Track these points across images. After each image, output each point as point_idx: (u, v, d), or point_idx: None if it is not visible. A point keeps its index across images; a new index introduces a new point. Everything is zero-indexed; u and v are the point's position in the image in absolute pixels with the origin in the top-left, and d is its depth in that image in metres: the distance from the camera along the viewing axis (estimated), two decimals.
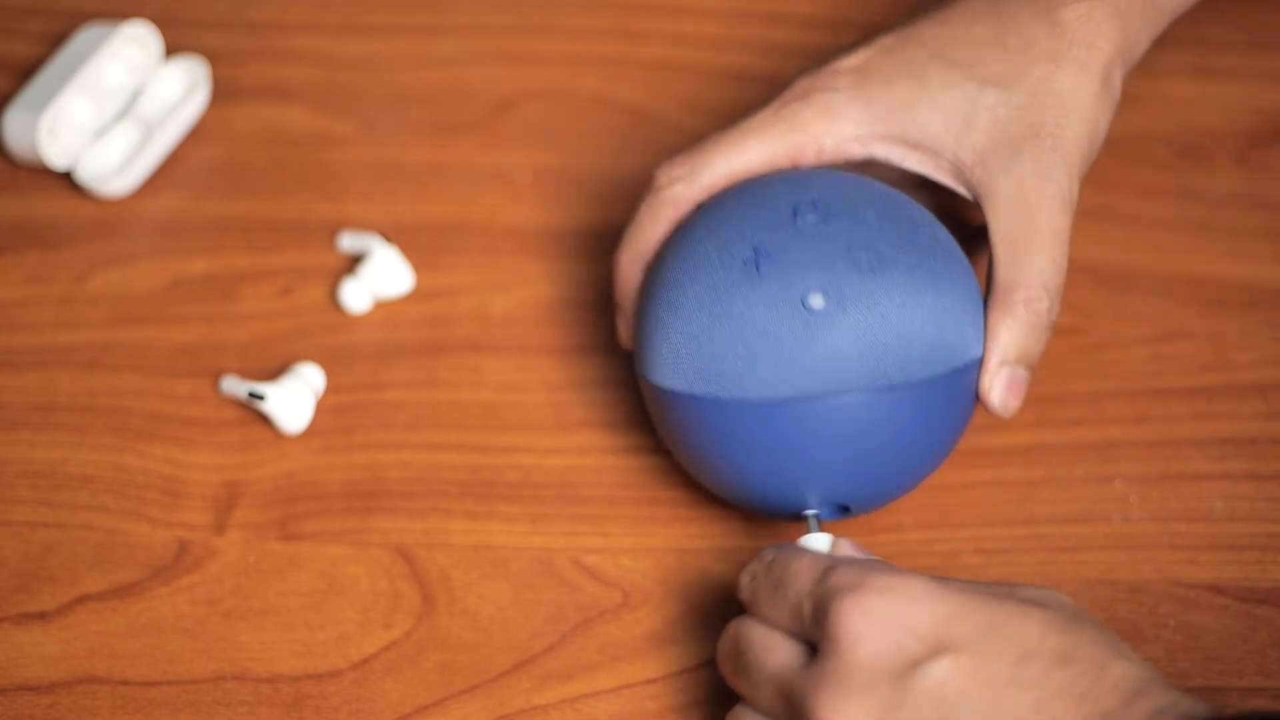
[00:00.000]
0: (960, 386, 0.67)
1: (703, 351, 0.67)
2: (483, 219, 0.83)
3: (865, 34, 0.80)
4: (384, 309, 0.80)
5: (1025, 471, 0.75)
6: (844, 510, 0.69)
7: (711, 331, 0.66)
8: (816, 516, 0.68)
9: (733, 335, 0.66)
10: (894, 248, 0.66)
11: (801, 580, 0.62)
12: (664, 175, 0.72)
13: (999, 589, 0.61)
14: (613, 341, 0.78)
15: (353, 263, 0.81)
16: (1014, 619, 0.59)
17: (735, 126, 0.72)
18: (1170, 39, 0.87)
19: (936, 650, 0.58)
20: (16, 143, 0.82)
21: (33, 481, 0.75)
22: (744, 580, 0.64)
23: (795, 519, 0.69)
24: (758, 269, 0.66)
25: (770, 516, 0.70)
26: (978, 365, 0.68)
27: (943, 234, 0.69)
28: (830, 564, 0.62)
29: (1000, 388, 0.69)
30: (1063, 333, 0.79)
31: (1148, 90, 0.86)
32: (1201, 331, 0.79)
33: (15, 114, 0.82)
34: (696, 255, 0.68)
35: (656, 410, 0.70)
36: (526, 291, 0.80)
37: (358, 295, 0.80)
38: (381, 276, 0.80)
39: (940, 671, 0.58)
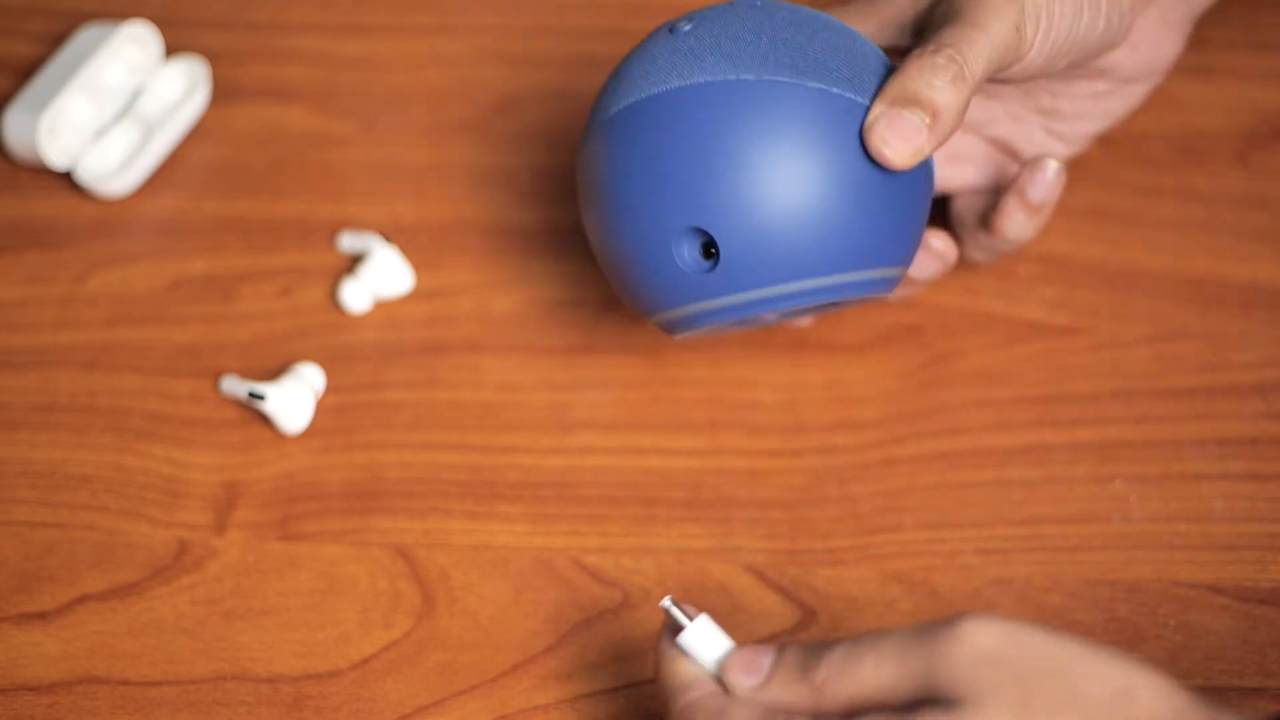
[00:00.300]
0: (828, 115, 0.65)
1: (612, 91, 0.69)
2: (483, 219, 0.83)
3: None
4: (384, 309, 0.80)
5: (1025, 471, 0.75)
6: (712, 253, 0.67)
7: (623, 76, 0.69)
8: (674, 604, 0.61)
9: (619, 71, 0.69)
10: (784, 6, 0.68)
11: None
12: None
13: (936, 630, 0.56)
14: (613, 342, 0.78)
15: (353, 263, 0.81)
16: None
17: None
18: None
19: None
20: (16, 143, 0.82)
21: (33, 481, 0.75)
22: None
23: (676, 309, 0.68)
24: (671, 31, 0.68)
25: (648, 277, 0.68)
26: (854, 108, 0.66)
27: (847, 30, 0.69)
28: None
29: (882, 127, 0.65)
30: (1063, 333, 0.79)
31: None
32: (1201, 331, 0.79)
33: (15, 114, 0.82)
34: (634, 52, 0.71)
35: (580, 174, 0.71)
36: (526, 291, 0.80)
37: (358, 295, 0.80)
38: (381, 276, 0.80)
39: None
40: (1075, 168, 0.84)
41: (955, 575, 0.72)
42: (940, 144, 0.66)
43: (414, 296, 0.80)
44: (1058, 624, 0.71)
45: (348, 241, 0.81)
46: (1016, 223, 0.74)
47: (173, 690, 0.69)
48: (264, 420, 0.76)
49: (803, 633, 0.71)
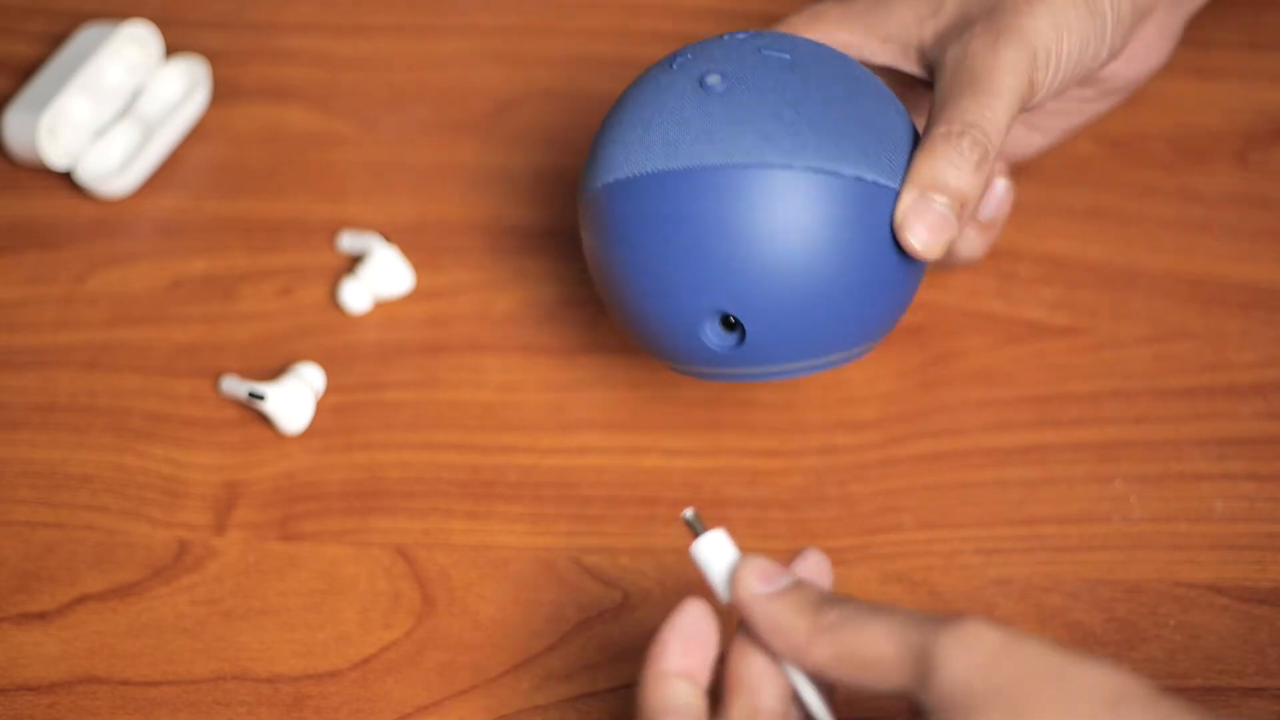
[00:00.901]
0: (864, 203, 0.65)
1: (621, 145, 0.66)
2: (483, 219, 0.83)
3: None
4: (384, 309, 0.80)
5: (1025, 471, 0.75)
6: (736, 328, 0.66)
7: (630, 125, 0.66)
8: (697, 516, 0.61)
9: (633, 118, 0.66)
10: (815, 62, 0.67)
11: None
12: None
13: (933, 628, 0.55)
14: (613, 342, 0.78)
15: (353, 263, 0.81)
16: None
17: None
18: None
19: None
20: (16, 143, 0.82)
21: (33, 481, 0.75)
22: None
23: (701, 369, 0.67)
24: (673, 67, 0.67)
25: (671, 347, 0.67)
26: (888, 195, 0.66)
27: (879, 86, 0.68)
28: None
29: (915, 219, 0.65)
30: (1063, 333, 0.79)
31: (1148, 90, 0.86)
32: (1201, 331, 0.79)
33: (15, 114, 0.82)
34: (633, 85, 0.68)
35: (586, 233, 0.69)
36: (526, 291, 0.80)
37: (358, 295, 0.80)
38: (381, 276, 0.80)
39: None
40: (1075, 168, 0.84)
41: (955, 575, 0.72)
42: (964, 228, 0.68)
43: (414, 296, 0.80)
44: (1058, 624, 0.71)
45: (348, 241, 0.81)
46: (967, 240, 0.74)
47: (173, 690, 0.69)
48: (264, 420, 0.76)
49: None
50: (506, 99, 0.87)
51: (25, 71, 0.87)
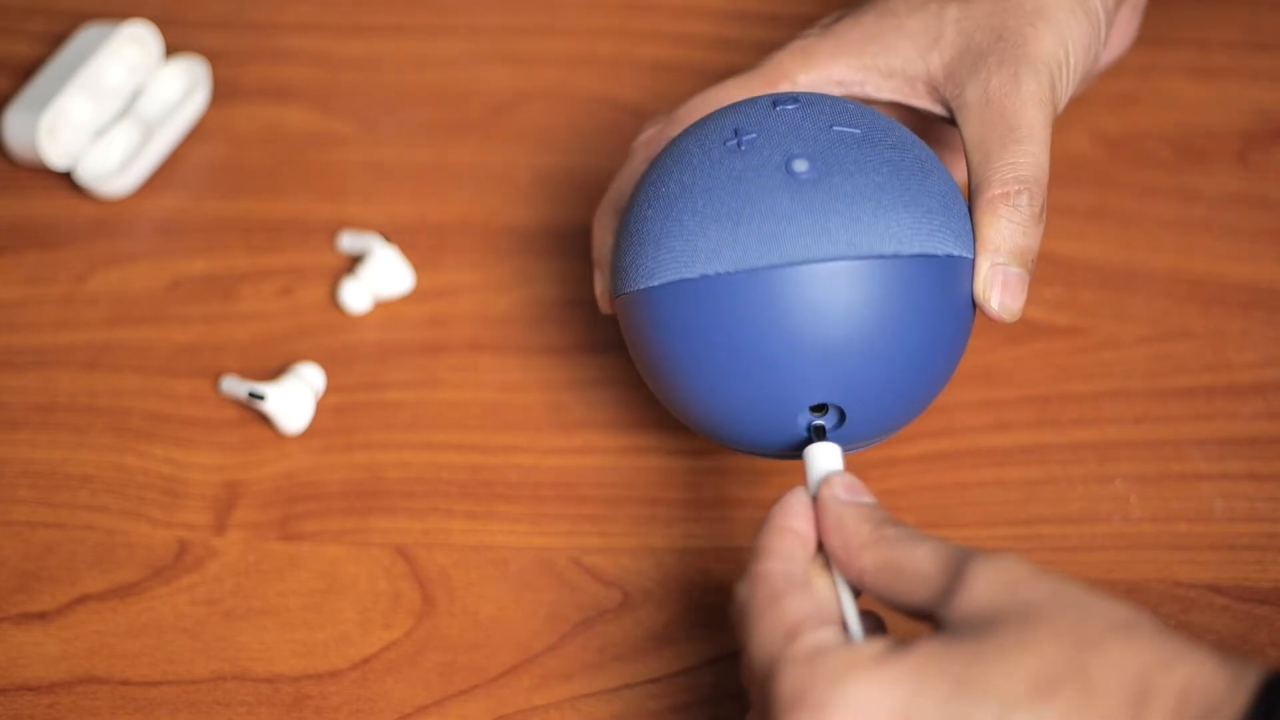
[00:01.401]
0: (953, 279, 0.65)
1: (690, 234, 0.63)
2: (483, 219, 0.83)
3: None
4: (384, 309, 0.80)
5: (1025, 471, 0.75)
6: (840, 418, 0.65)
7: (696, 213, 0.63)
8: (817, 425, 0.64)
9: (717, 208, 0.63)
10: (878, 131, 0.65)
11: (758, 659, 0.58)
12: (641, 128, 0.73)
13: (954, 562, 0.57)
14: (612, 341, 0.78)
15: (353, 263, 0.81)
16: (975, 663, 0.55)
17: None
18: (1170, 39, 0.87)
19: None
20: (16, 143, 0.82)
21: (33, 481, 0.75)
22: (732, 611, 0.61)
23: (787, 454, 0.66)
24: (739, 146, 0.64)
25: (759, 440, 0.66)
26: (968, 266, 0.66)
27: (921, 143, 0.67)
28: (786, 641, 0.57)
29: (997, 291, 0.66)
30: (1063, 333, 0.79)
31: (1148, 90, 0.86)
32: (1201, 331, 0.79)
33: (15, 114, 0.82)
34: (676, 151, 0.66)
35: (639, 327, 0.66)
36: (526, 291, 0.80)
37: (358, 295, 0.80)
38: (381, 276, 0.80)
39: None
40: (1075, 168, 0.84)
41: None
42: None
43: (414, 296, 0.80)
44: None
45: (348, 241, 0.81)
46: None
47: (173, 690, 0.69)
48: (264, 420, 0.76)
49: None
50: (506, 99, 0.87)
51: (25, 71, 0.87)
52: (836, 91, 0.71)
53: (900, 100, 0.71)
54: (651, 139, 0.72)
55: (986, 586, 0.56)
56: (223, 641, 0.70)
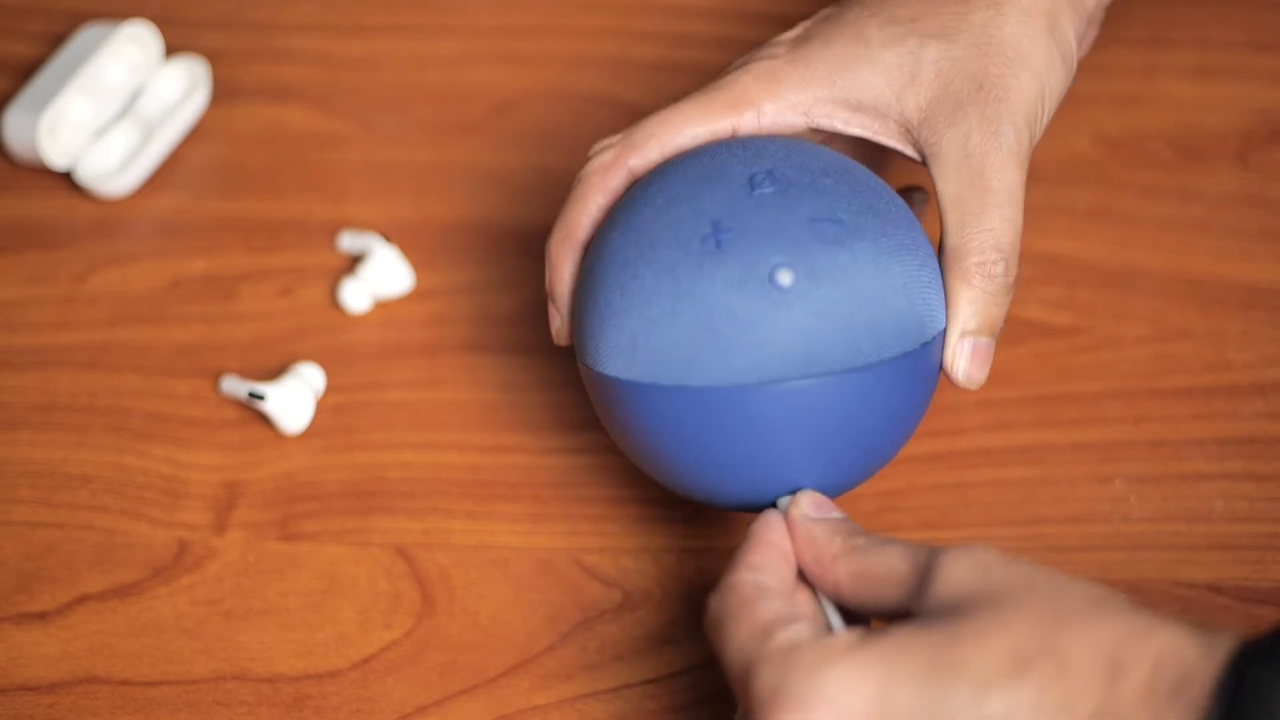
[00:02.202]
0: (929, 359, 0.65)
1: (666, 338, 0.63)
2: (483, 219, 0.83)
3: None
4: (384, 309, 0.80)
5: (1025, 471, 0.75)
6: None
7: (675, 316, 0.62)
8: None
9: (699, 319, 0.62)
10: (857, 216, 0.63)
11: (735, 658, 0.58)
12: (594, 148, 0.69)
13: (923, 559, 0.58)
14: None
15: (353, 263, 0.81)
16: (949, 645, 0.55)
17: (674, 102, 0.69)
18: (1170, 39, 0.87)
19: None
20: (16, 143, 0.82)
21: (33, 481, 0.75)
22: (705, 620, 0.61)
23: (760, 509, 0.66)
24: (718, 245, 0.62)
25: (736, 508, 0.67)
26: (941, 335, 0.66)
27: (897, 200, 0.67)
28: (760, 641, 0.58)
29: (964, 360, 0.66)
30: (1063, 333, 0.79)
31: (1148, 90, 0.86)
32: (1201, 331, 0.79)
33: (15, 114, 0.82)
34: (648, 234, 0.64)
35: (608, 403, 0.65)
36: (526, 291, 0.80)
37: (358, 295, 0.80)
38: (381, 276, 0.80)
39: None
40: (1075, 168, 0.84)
41: None
42: None
43: (414, 296, 0.80)
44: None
45: (348, 241, 0.81)
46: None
47: (173, 690, 0.69)
48: (264, 420, 0.76)
49: None
50: (506, 99, 0.87)
51: (25, 71, 0.87)
52: (801, 122, 0.68)
53: (868, 137, 0.68)
54: (607, 167, 0.69)
55: (959, 575, 0.57)
56: (223, 641, 0.70)
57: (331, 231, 0.82)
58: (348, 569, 0.72)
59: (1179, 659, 0.54)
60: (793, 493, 0.64)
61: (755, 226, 0.63)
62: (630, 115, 0.86)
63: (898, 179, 0.76)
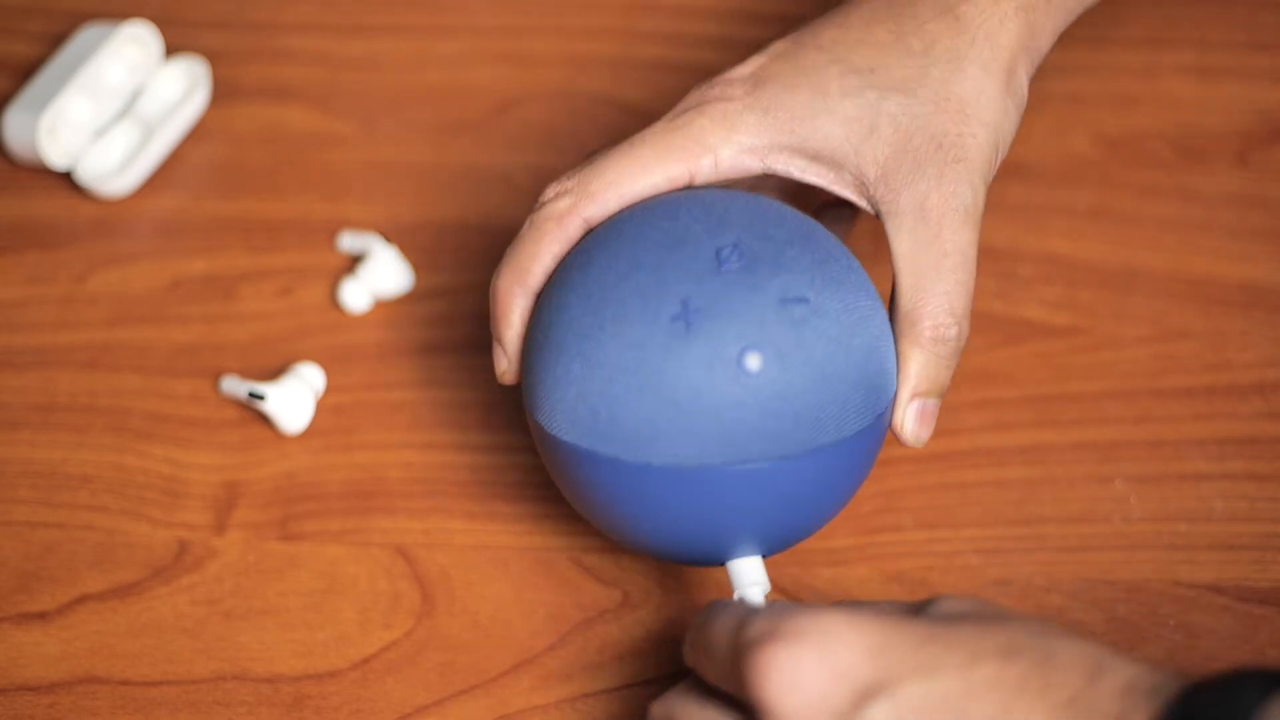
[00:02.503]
0: (882, 426, 0.66)
1: (630, 414, 0.62)
2: (483, 219, 0.83)
3: None
4: (384, 309, 0.80)
5: (1025, 471, 0.75)
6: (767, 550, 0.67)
7: (641, 394, 0.62)
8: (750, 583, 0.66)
9: (666, 399, 0.62)
10: (821, 292, 0.64)
11: (722, 640, 0.58)
12: (549, 190, 0.68)
13: (917, 606, 0.59)
14: None
15: (353, 263, 0.81)
16: (942, 631, 0.56)
17: (628, 140, 0.68)
18: (1170, 39, 0.87)
19: (870, 692, 0.55)
20: (16, 143, 0.82)
21: (33, 481, 0.75)
22: (685, 650, 0.61)
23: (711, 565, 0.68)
24: (688, 326, 0.62)
25: (683, 563, 0.69)
26: (894, 401, 0.67)
27: (852, 263, 0.67)
28: (746, 615, 0.58)
29: (912, 421, 0.67)
30: (1063, 333, 0.79)
31: (1148, 90, 0.86)
32: (1201, 331, 0.79)
33: (15, 114, 0.82)
34: (612, 301, 0.63)
35: (561, 464, 0.65)
36: None
37: (358, 295, 0.80)
38: (381, 276, 0.80)
39: (882, 714, 0.55)
40: (1075, 168, 0.84)
41: (955, 575, 0.72)
42: None
43: (414, 296, 0.80)
44: (1057, 624, 0.71)
45: (348, 241, 0.81)
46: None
47: (173, 690, 0.69)
48: (264, 420, 0.76)
49: None
50: (506, 99, 0.87)
51: (25, 71, 0.87)
52: (757, 167, 0.68)
53: (823, 186, 0.68)
54: (562, 215, 0.67)
55: (954, 603, 0.59)
56: (223, 641, 0.70)
57: (331, 231, 0.82)
58: (348, 569, 0.72)
59: (1153, 676, 0.55)
60: (743, 555, 0.66)
61: (724, 307, 0.63)
62: (630, 115, 0.86)
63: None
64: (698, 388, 0.62)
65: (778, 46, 0.69)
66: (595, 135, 0.86)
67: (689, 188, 0.68)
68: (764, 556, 0.66)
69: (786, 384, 0.62)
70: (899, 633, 0.56)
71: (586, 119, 0.86)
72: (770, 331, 0.62)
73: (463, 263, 0.81)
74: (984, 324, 0.79)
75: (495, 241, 0.82)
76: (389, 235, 0.81)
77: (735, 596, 0.65)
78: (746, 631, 0.57)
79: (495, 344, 0.68)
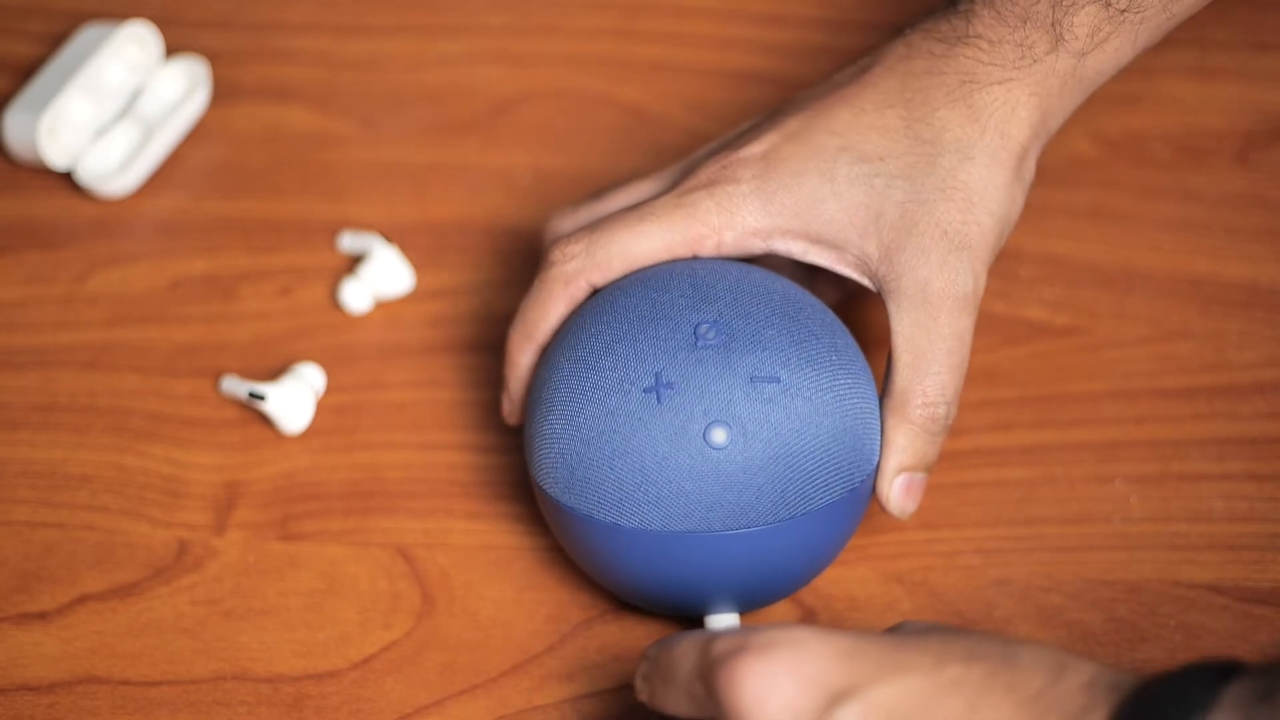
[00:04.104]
0: (858, 500, 0.67)
1: (603, 478, 0.65)
2: (483, 219, 0.83)
3: (864, 35, 0.81)
4: (384, 309, 0.80)
5: (1025, 471, 0.75)
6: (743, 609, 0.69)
7: (612, 460, 0.65)
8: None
9: (634, 466, 0.65)
10: (796, 372, 0.66)
11: (687, 662, 0.59)
12: (559, 251, 0.70)
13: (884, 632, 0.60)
14: None
15: (353, 263, 0.81)
16: (909, 640, 0.57)
17: (636, 209, 0.70)
18: (1170, 39, 0.87)
19: (840, 695, 0.56)
20: (16, 143, 0.82)
21: (33, 481, 0.75)
22: (638, 684, 0.62)
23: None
24: (659, 399, 0.65)
25: (664, 614, 0.71)
26: (872, 477, 0.68)
27: (842, 341, 0.68)
28: (710, 637, 0.59)
29: (898, 494, 0.69)
30: (1063, 333, 0.79)
31: (1148, 90, 0.86)
32: (1201, 331, 0.79)
33: (15, 114, 0.82)
34: (594, 369, 0.66)
35: (548, 512, 0.69)
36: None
37: (358, 295, 0.80)
38: (381, 276, 0.80)
39: (852, 714, 0.56)
40: (1075, 168, 0.84)
41: (955, 575, 0.72)
42: None
43: (414, 296, 0.80)
44: (1058, 624, 0.71)
45: (348, 241, 0.81)
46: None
47: (173, 690, 0.69)
48: (264, 420, 0.76)
49: None
50: (506, 99, 0.87)
51: (25, 71, 0.87)
52: (761, 247, 0.70)
53: (826, 266, 0.70)
54: (570, 278, 0.70)
55: (918, 624, 0.60)
56: (223, 641, 0.70)
57: (331, 231, 0.82)
58: (348, 569, 0.72)
59: (1114, 673, 0.56)
60: (720, 612, 0.68)
61: (695, 383, 0.65)
62: (631, 115, 0.86)
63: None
64: (663, 458, 0.65)
65: (791, 125, 0.70)
66: (595, 135, 0.86)
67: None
68: (740, 614, 0.69)
69: (750, 459, 0.65)
70: (867, 641, 0.57)
71: (586, 119, 0.86)
72: (737, 408, 0.65)
73: (463, 263, 0.81)
74: (984, 324, 0.79)
75: (495, 242, 0.82)
76: (389, 235, 0.81)
77: None
78: (714, 648, 0.58)
79: (503, 390, 0.73)
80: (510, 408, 0.72)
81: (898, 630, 0.60)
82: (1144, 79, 0.86)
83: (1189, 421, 0.76)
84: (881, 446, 0.68)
